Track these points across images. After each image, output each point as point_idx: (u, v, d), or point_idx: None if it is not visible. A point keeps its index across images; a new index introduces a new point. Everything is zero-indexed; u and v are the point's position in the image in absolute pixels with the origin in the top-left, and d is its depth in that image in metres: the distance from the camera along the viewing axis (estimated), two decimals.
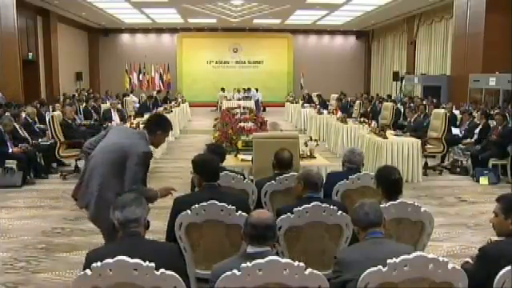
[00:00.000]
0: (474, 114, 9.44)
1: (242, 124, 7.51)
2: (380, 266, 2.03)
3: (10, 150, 7.24)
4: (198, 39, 23.29)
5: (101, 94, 17.70)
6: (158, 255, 2.15)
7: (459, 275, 2.06)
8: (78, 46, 21.53)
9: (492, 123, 8.33)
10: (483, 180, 7.28)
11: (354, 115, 11.72)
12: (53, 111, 9.12)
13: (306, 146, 5.74)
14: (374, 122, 9.01)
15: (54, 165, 8.21)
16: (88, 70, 22.52)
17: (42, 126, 9.04)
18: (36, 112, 9.30)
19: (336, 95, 15.17)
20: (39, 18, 16.70)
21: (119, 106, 11.36)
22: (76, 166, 7.82)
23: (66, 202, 6.28)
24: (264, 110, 19.51)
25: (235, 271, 1.97)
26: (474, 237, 4.95)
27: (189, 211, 2.87)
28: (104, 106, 12.20)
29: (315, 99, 16.56)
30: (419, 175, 7.43)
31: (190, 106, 17.47)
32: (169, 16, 19.12)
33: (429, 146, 8.03)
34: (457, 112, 10.57)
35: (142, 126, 8.55)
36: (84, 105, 12.00)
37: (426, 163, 8.01)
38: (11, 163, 7.12)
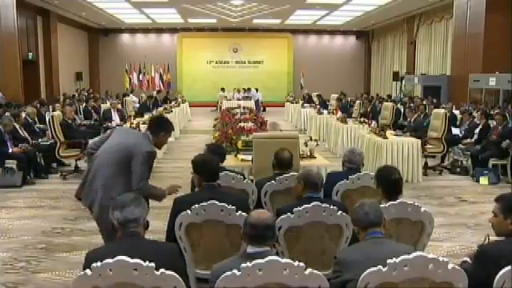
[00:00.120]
0: (474, 114, 9.43)
1: (241, 124, 7.52)
2: (380, 266, 2.03)
3: (10, 150, 7.24)
4: (198, 39, 23.29)
5: (101, 94, 17.72)
6: (157, 255, 2.15)
7: (459, 275, 2.06)
8: (78, 46, 21.53)
9: (492, 123, 8.33)
10: (483, 180, 7.28)
11: (354, 115, 11.72)
12: (53, 111, 9.12)
13: (306, 145, 5.74)
14: (374, 122, 9.01)
15: (54, 165, 8.20)
16: (88, 69, 22.53)
17: (41, 125, 9.04)
18: (36, 112, 9.30)
19: (336, 95, 15.17)
20: (39, 18, 16.70)
21: (119, 106, 11.35)
22: (76, 166, 7.83)
23: (66, 201, 6.29)
24: (264, 109, 19.52)
25: (235, 271, 1.97)
26: (473, 237, 4.95)
27: (189, 211, 2.87)
28: (104, 106, 12.20)
29: (315, 99, 16.56)
30: (419, 175, 7.43)
31: (190, 106, 17.47)
32: (169, 16, 19.12)
33: (429, 146, 8.03)
34: (457, 112, 10.57)
35: (142, 125, 8.63)
36: (84, 105, 12.01)
37: (425, 163, 8.01)
38: (11, 163, 7.12)
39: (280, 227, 2.82)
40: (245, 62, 23.72)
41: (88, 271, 2.00)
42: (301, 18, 19.34)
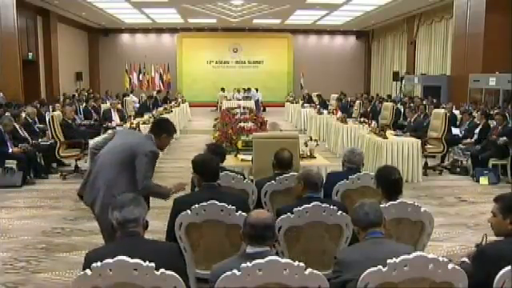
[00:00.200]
0: (474, 114, 9.43)
1: (242, 124, 7.52)
2: (380, 266, 2.03)
3: (10, 150, 7.24)
4: (198, 39, 23.29)
5: (101, 94, 17.71)
6: (157, 255, 2.15)
7: (459, 275, 2.06)
8: (78, 46, 21.53)
9: (492, 123, 8.33)
10: (483, 180, 7.28)
11: (354, 115, 11.73)
12: (53, 111, 9.12)
13: (306, 145, 5.74)
14: (374, 122, 9.01)
15: (54, 165, 8.21)
16: (88, 70, 22.53)
17: (41, 125, 9.04)
18: (36, 112, 9.30)
19: (336, 95, 15.17)
20: (39, 18, 16.70)
21: (119, 106, 11.35)
22: (76, 166, 7.83)
23: (66, 201, 6.30)
24: (264, 109, 19.52)
25: (235, 271, 1.96)
26: (474, 237, 4.94)
27: (189, 211, 2.87)
28: (104, 106, 12.19)
29: (315, 99, 16.55)
30: (419, 175, 7.43)
31: (190, 106, 17.47)
32: (169, 16, 19.12)
33: (429, 146, 8.03)
34: (457, 112, 10.57)
35: (142, 126, 8.62)
36: (84, 105, 12.00)
37: (426, 163, 8.01)
38: (11, 163, 7.12)
39: (280, 227, 2.82)
40: (245, 62, 23.72)
41: (88, 271, 2.00)
42: (301, 18, 19.34)
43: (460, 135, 8.87)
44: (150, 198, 3.31)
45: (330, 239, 2.96)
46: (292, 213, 2.87)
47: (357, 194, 3.59)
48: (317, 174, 3.27)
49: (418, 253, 2.09)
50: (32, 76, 15.60)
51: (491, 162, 7.51)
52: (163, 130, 3.43)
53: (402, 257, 2.02)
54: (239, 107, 12.01)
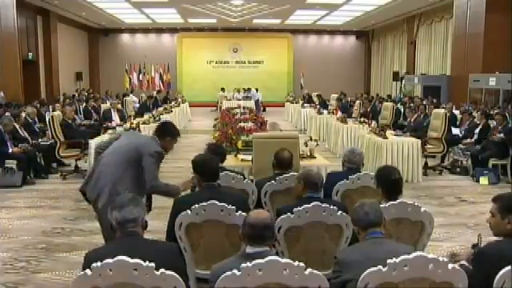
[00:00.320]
0: (474, 114, 9.44)
1: (242, 124, 7.52)
2: (380, 266, 2.03)
3: (10, 150, 7.24)
4: (198, 39, 23.29)
5: (101, 94, 17.72)
6: (157, 255, 2.15)
7: (459, 275, 2.06)
8: (78, 46, 21.53)
9: (492, 123, 8.33)
10: (483, 180, 7.28)
11: (354, 115, 11.71)
12: (53, 111, 9.13)
13: (306, 145, 5.74)
14: (374, 122, 9.00)
15: (54, 165, 8.21)
16: (88, 70, 22.52)
17: (41, 125, 9.04)
18: (36, 112, 9.30)
19: (336, 95, 15.15)
20: (39, 18, 16.70)
21: (119, 106, 11.35)
22: (76, 166, 7.82)
23: (66, 201, 6.30)
24: (264, 109, 19.51)
25: (235, 271, 1.96)
26: (473, 237, 4.90)
27: (189, 211, 2.87)
28: (104, 106, 12.20)
29: (315, 99, 16.55)
30: (419, 175, 7.43)
31: (190, 106, 17.47)
32: (169, 16, 19.12)
33: (429, 146, 8.03)
34: (457, 112, 10.57)
35: (142, 126, 8.60)
36: (84, 105, 12.01)
37: (426, 163, 8.01)
38: (11, 163, 7.12)
39: (280, 227, 2.82)
40: (245, 62, 23.71)
41: (88, 271, 2.00)
42: (301, 18, 19.34)
43: (460, 135, 8.87)
44: (152, 198, 3.34)
45: (330, 239, 2.96)
46: (292, 213, 2.87)
47: (357, 194, 3.59)
48: (317, 173, 3.27)
49: (418, 253, 2.09)
50: (32, 76, 15.59)
51: (491, 162, 7.51)
52: (167, 133, 3.48)
53: (402, 257, 2.02)
54: (239, 107, 12.02)
